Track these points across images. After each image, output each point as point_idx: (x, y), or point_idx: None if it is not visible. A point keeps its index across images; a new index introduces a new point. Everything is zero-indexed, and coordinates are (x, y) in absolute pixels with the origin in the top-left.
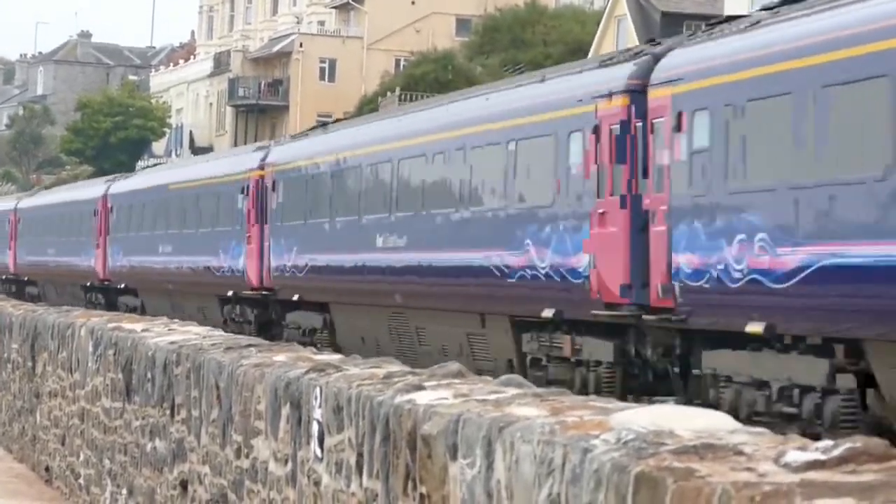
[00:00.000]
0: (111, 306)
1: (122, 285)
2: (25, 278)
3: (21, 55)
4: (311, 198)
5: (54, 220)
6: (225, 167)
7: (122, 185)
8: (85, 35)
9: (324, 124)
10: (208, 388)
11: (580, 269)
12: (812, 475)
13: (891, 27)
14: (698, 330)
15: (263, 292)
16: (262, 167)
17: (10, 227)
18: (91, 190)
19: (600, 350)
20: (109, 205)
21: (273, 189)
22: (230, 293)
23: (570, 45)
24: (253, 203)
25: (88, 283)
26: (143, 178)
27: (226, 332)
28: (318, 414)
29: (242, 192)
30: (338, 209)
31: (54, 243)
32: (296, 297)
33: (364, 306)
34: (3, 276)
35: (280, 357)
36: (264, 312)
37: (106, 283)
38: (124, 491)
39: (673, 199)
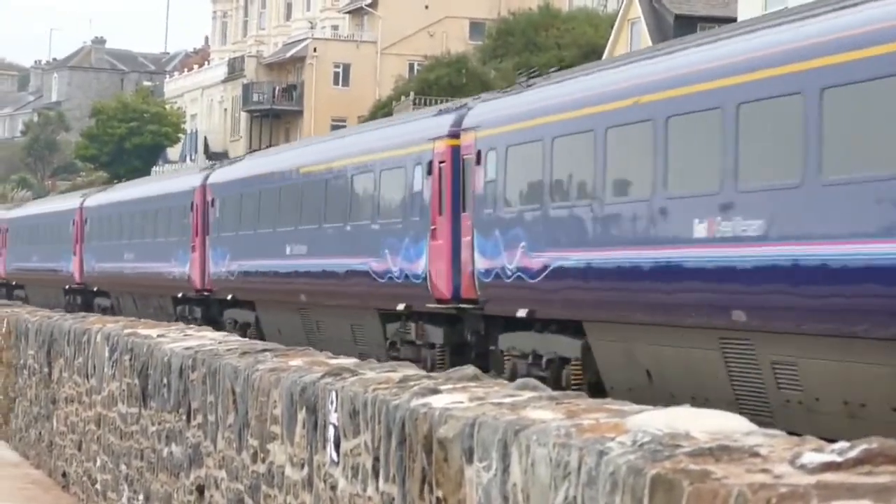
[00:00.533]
0: (211, 321)
1: (230, 297)
2: (95, 289)
3: (35, 62)
4: (554, 174)
5: (133, 219)
6: (389, 138)
7: (227, 172)
8: (99, 41)
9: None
10: (224, 393)
11: None
12: (828, 477)
13: None
14: None
15: (461, 305)
16: (454, 134)
17: (76, 228)
18: (182, 181)
19: None
20: (210, 197)
21: (479, 162)
22: (401, 306)
23: (583, 48)
24: (440, 185)
25: (181, 294)
26: (257, 163)
27: (394, 357)
28: (333, 418)
29: (423, 171)
30: (611, 186)
31: (133, 247)
32: (522, 313)
33: (661, 328)
34: (67, 286)
35: (295, 362)
36: (454, 333)
37: (205, 293)
38: (141, 496)
39: None
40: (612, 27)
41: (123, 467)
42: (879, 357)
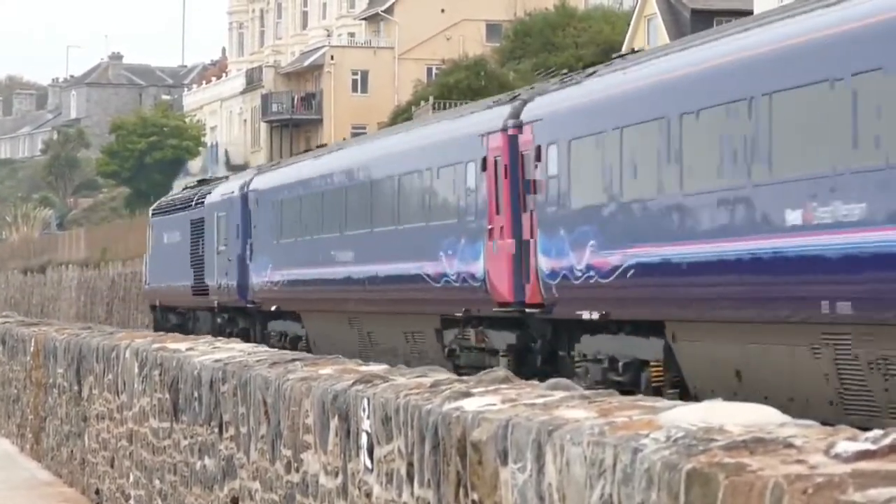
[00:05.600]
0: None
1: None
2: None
3: (53, 79)
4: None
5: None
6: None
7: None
8: (116, 57)
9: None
10: (255, 404)
11: None
12: (863, 465)
13: None
14: None
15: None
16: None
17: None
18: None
19: None
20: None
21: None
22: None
23: (601, 46)
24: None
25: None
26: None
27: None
28: (366, 425)
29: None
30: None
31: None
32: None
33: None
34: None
35: (326, 370)
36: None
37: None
38: None
39: None
40: (628, 24)
41: (157, 482)
42: None
